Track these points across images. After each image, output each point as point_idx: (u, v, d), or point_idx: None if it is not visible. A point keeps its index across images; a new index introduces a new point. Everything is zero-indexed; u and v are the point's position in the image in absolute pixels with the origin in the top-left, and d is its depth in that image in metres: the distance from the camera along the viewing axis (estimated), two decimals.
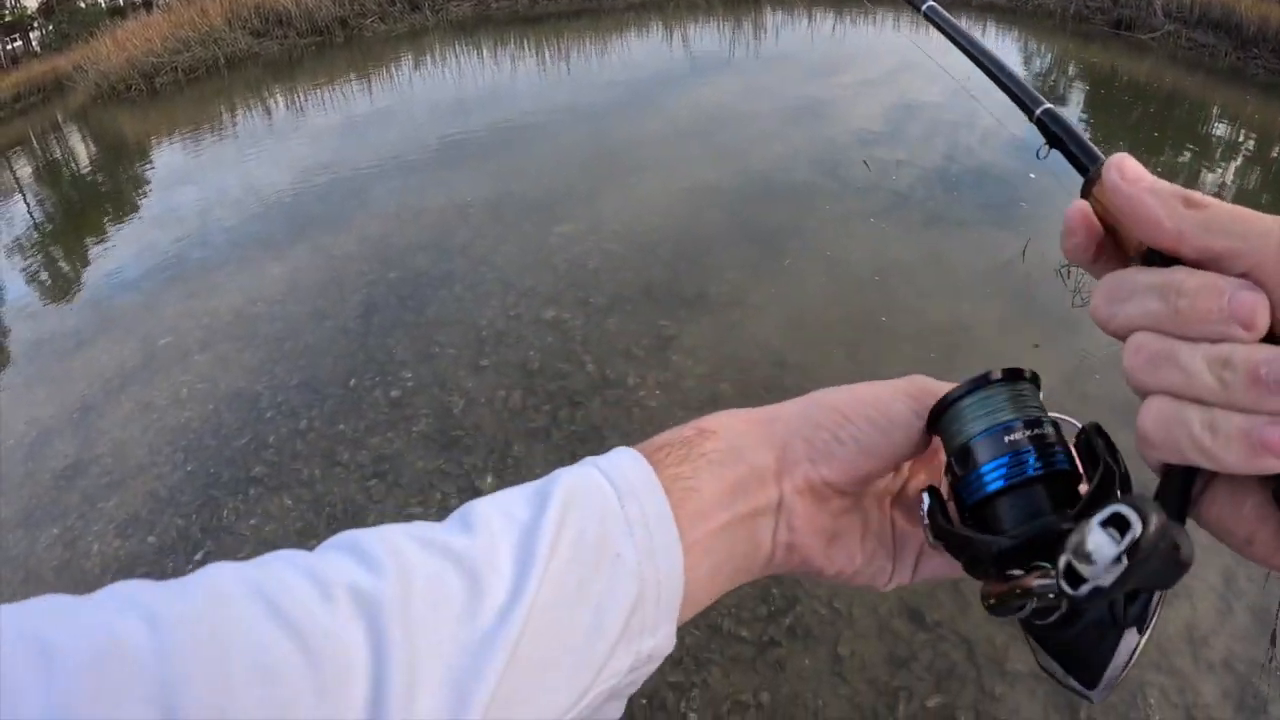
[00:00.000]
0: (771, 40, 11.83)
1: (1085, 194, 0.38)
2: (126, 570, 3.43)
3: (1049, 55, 11.18)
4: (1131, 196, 0.34)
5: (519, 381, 3.94)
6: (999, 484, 0.39)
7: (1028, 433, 0.40)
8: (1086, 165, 0.40)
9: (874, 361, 3.80)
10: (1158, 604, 0.35)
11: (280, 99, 11.76)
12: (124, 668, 0.29)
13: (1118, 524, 0.29)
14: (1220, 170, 7.60)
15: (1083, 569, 0.30)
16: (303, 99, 11.44)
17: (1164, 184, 0.34)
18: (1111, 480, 0.37)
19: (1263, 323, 0.30)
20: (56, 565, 3.56)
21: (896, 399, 0.47)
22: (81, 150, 12.51)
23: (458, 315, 4.57)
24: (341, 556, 0.38)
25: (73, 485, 3.98)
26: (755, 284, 4.47)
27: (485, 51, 12.60)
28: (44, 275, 7.29)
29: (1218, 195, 0.34)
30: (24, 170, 11.56)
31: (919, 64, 9.56)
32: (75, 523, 3.76)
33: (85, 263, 7.21)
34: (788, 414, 0.48)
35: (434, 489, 3.44)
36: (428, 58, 12.75)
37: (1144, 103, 9.29)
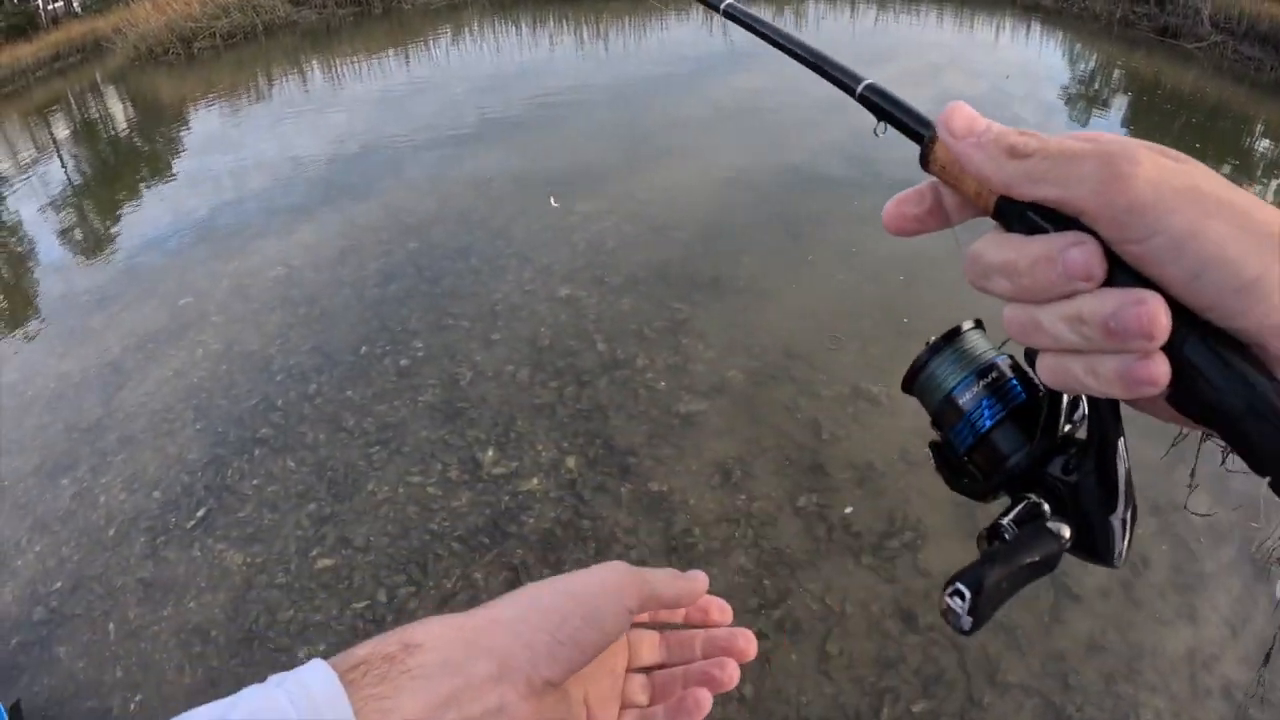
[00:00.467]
0: (813, 28, 11.68)
1: (924, 162, 0.39)
2: (131, 523, 3.47)
3: (1093, 59, 10.91)
4: (960, 153, 0.36)
5: (528, 357, 3.92)
6: (969, 441, 0.44)
7: (981, 383, 0.44)
8: (921, 133, 0.39)
9: (886, 358, 3.73)
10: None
11: (317, 68, 11.83)
12: None
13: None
14: (1262, 185, 7.36)
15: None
16: (339, 69, 11.49)
17: (993, 132, 0.35)
18: (1056, 403, 0.42)
19: (1099, 271, 0.32)
20: (63, 515, 3.61)
21: (606, 593, 0.49)
22: (118, 111, 12.64)
23: (473, 288, 4.56)
24: None
25: (85, 439, 4.02)
26: (773, 273, 4.42)
27: (524, 28, 12.55)
28: (76, 233, 7.38)
29: None
30: (61, 130, 11.69)
31: (965, 58, 9.50)
32: (85, 475, 3.80)
33: (115, 221, 7.29)
34: (505, 618, 0.47)
35: (435, 459, 3.43)
36: (466, 32, 12.74)
37: (1188, 112, 9.06)
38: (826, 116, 7.06)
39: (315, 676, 0.41)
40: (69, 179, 9.17)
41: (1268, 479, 0.31)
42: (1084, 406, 0.42)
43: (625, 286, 4.35)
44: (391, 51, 11.86)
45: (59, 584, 3.29)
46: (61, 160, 10.08)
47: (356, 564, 3.08)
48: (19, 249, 7.15)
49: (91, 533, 3.50)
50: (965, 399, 0.44)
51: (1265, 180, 7.19)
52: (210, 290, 5.15)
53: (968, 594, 0.38)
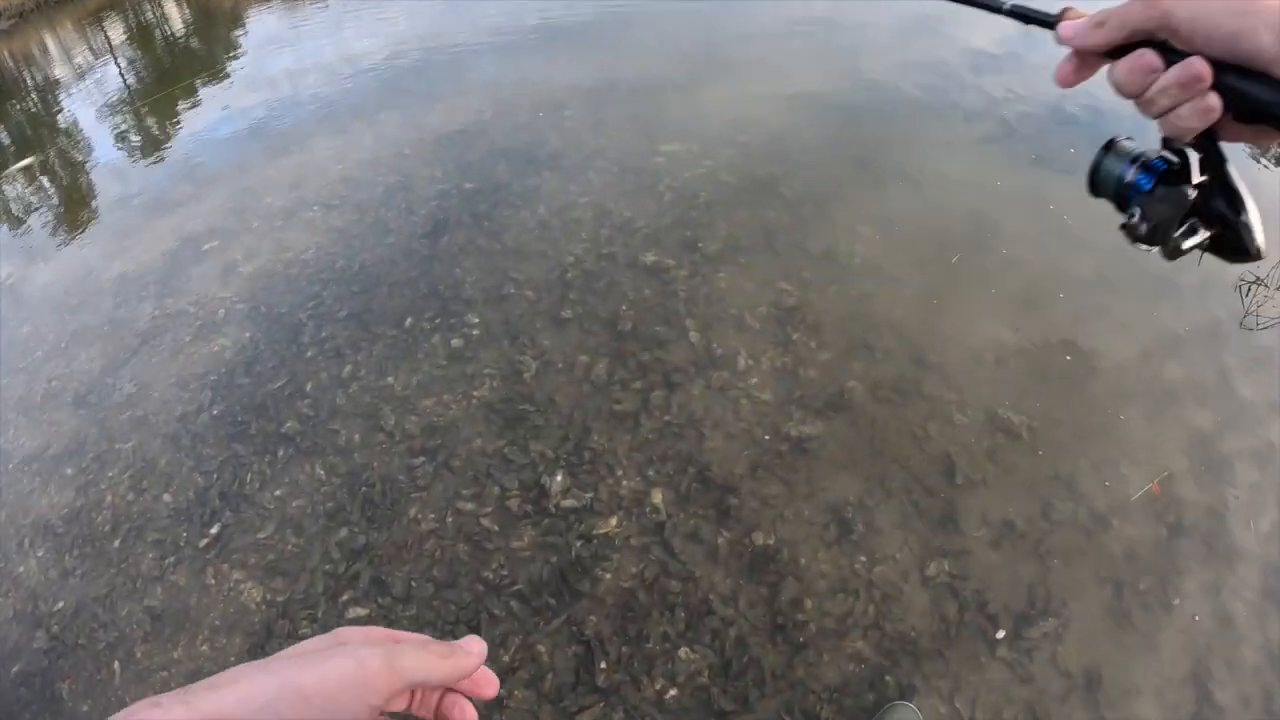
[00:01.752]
0: None
1: (1058, 39, 0.59)
2: (138, 531, 2.94)
3: None
4: (1066, 39, 0.58)
5: (607, 345, 3.20)
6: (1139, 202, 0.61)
7: (1135, 165, 0.62)
8: (1050, 20, 0.60)
9: (1029, 378, 2.89)
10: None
11: None
12: None
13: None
14: None
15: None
16: None
17: (1082, 19, 0.57)
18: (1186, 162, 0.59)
19: (1158, 62, 0.53)
20: (67, 514, 3.11)
21: (347, 690, 0.43)
22: (174, 14, 11.97)
23: (540, 246, 3.82)
24: None
25: (93, 415, 3.49)
26: (895, 248, 3.55)
27: None
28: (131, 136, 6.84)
29: None
30: (117, 34, 11.13)
31: None
32: (91, 464, 3.28)
33: (163, 131, 6.70)
34: (246, 698, 0.41)
35: (491, 480, 2.78)
36: None
37: None
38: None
39: None
40: (124, 82, 8.64)
41: None
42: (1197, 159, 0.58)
43: (722, 255, 3.55)
44: None
45: (61, 604, 2.82)
46: (118, 64, 9.54)
47: (394, 617, 2.49)
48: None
49: (96, 541, 2.99)
50: (1128, 177, 0.61)
51: None
52: (237, 232, 4.54)
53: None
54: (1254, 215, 0.56)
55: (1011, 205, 3.81)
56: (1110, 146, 0.63)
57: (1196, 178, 0.57)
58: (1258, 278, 4.21)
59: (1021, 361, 2.99)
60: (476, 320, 3.47)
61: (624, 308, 3.33)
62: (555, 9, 7.25)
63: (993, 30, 7.27)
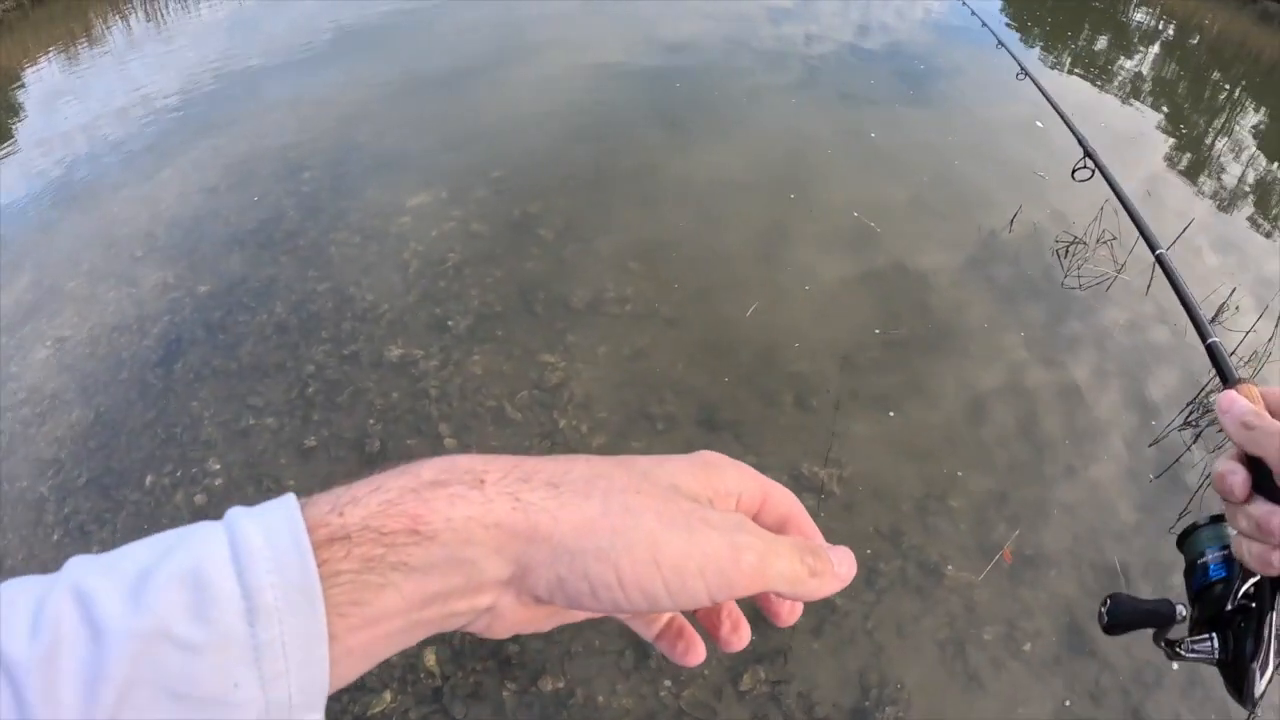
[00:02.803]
0: None
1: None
2: None
3: None
4: (1224, 425, 0.61)
5: (355, 472, 2.79)
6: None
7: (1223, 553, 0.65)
8: (1228, 378, 0.68)
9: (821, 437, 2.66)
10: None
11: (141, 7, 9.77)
12: None
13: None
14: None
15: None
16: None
17: (1246, 405, 0.61)
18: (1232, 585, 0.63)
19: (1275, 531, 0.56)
20: None
21: (702, 575, 0.37)
22: None
23: (278, 356, 3.38)
24: None
25: None
26: (670, 280, 3.25)
27: None
28: None
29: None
30: None
31: None
32: None
33: None
34: (563, 541, 0.36)
35: None
36: None
37: None
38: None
39: (279, 546, 0.32)
40: None
41: None
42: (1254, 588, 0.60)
43: (476, 331, 3.20)
44: None
45: None
46: None
47: None
48: None
49: None
50: (1209, 558, 0.63)
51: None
52: None
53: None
54: (1268, 669, 0.57)
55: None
56: (1218, 520, 0.65)
57: (1240, 598, 0.59)
58: (1075, 237, 4.15)
59: (824, 409, 2.77)
60: (218, 466, 3.05)
61: (371, 422, 2.96)
62: (292, 46, 6.55)
63: None
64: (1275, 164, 6.43)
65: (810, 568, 0.41)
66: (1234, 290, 4.05)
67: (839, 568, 0.41)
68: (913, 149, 5.03)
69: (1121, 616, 0.65)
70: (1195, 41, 9.11)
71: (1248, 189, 5.94)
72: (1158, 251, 0.81)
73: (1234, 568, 0.60)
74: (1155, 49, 8.45)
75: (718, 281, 3.27)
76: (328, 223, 3.97)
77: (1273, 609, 0.57)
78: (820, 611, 2.32)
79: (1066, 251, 4.19)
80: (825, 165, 4.39)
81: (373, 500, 0.36)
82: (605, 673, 2.25)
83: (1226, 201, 5.59)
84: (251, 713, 0.31)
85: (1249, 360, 3.63)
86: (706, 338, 2.99)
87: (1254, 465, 0.57)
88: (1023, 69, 2.37)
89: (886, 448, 2.86)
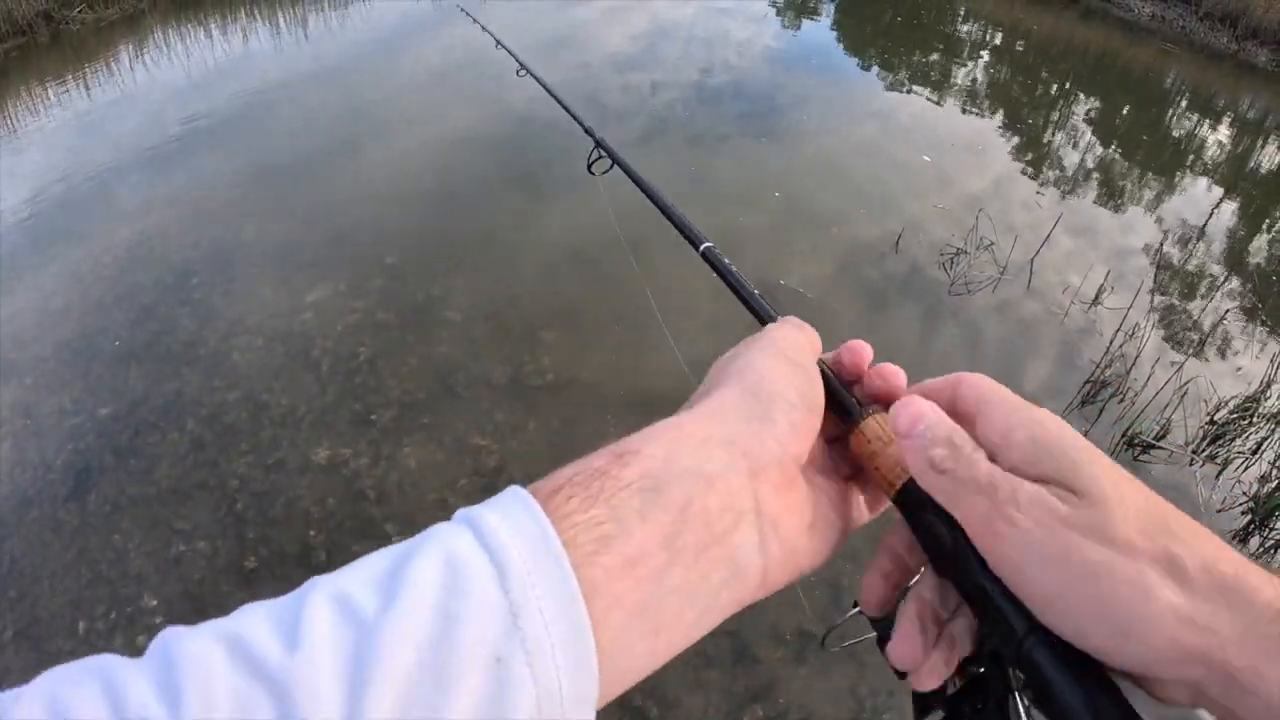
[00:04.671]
0: None
1: (843, 439, 0.46)
2: None
3: None
4: (904, 447, 0.41)
5: None
6: None
7: None
8: (851, 412, 0.45)
9: None
10: None
11: None
12: None
13: None
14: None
15: None
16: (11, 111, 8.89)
17: (928, 436, 0.39)
18: None
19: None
20: None
21: (799, 347, 0.44)
22: None
23: (199, 474, 3.34)
24: (146, 675, 0.29)
25: None
26: (589, 341, 3.38)
27: (213, 27, 10.07)
28: None
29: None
30: None
31: None
32: None
33: None
34: (730, 401, 0.39)
35: None
36: (150, 43, 10.01)
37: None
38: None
39: (510, 510, 0.33)
40: None
41: None
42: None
43: (401, 423, 3.25)
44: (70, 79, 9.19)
45: None
46: None
47: None
48: None
49: None
50: None
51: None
52: None
53: None
54: None
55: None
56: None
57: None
58: (958, 249, 4.51)
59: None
60: (154, 602, 3.00)
61: (311, 533, 2.98)
62: (147, 145, 6.34)
63: (631, 28, 7.30)
64: (1112, 145, 7.07)
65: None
66: (1108, 272, 4.50)
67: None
68: (769, 183, 5.32)
69: None
70: (1021, 47, 9.83)
71: (1090, 172, 6.51)
72: (702, 247, 0.75)
73: None
74: (985, 57, 9.10)
75: (629, 338, 3.42)
76: (226, 328, 3.92)
77: (1011, 690, 0.39)
78: (799, 640, 2.48)
79: (951, 263, 4.55)
80: (696, 210, 4.61)
81: (572, 464, 0.36)
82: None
83: (1069, 188, 6.12)
84: (522, 698, 0.30)
85: (1132, 335, 4.04)
86: (630, 395, 3.13)
87: (930, 533, 0.40)
88: (522, 65, 2.15)
89: None
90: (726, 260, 0.69)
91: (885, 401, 0.44)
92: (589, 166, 1.41)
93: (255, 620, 0.31)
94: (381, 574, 0.32)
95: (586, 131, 1.50)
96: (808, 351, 0.43)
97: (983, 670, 0.41)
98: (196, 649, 0.29)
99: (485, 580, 0.31)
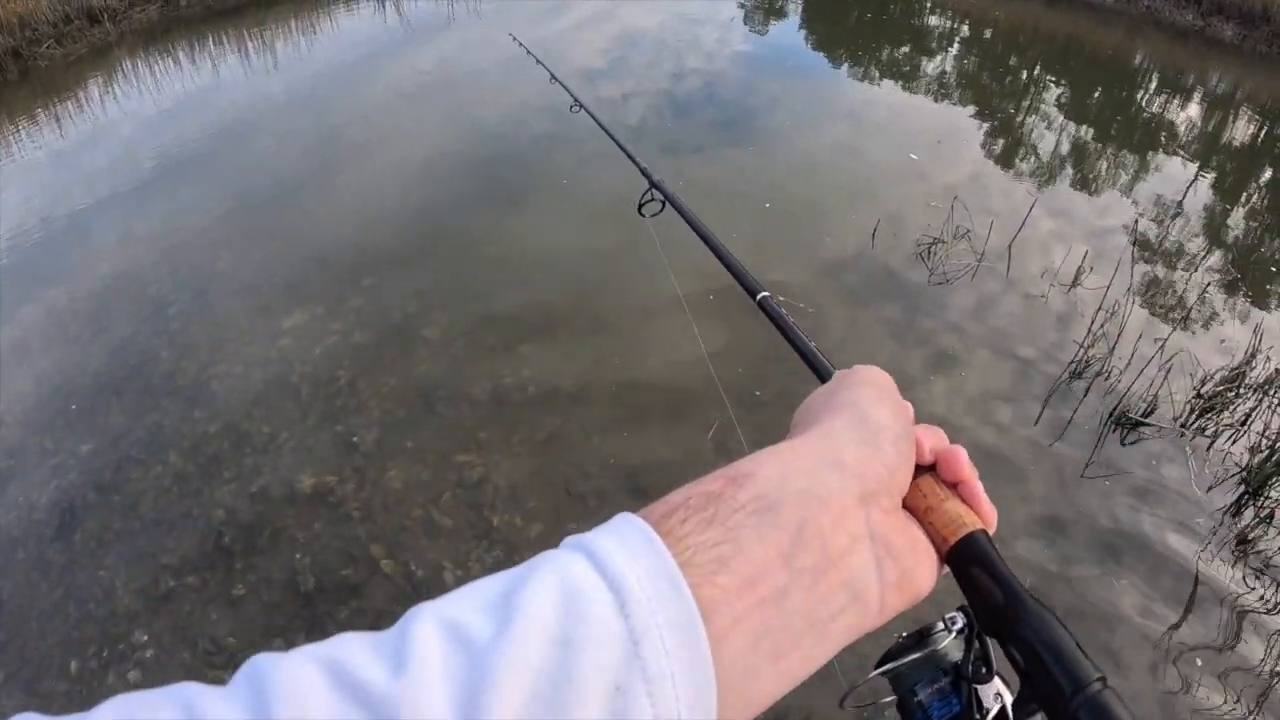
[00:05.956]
0: None
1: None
2: None
3: None
4: (974, 489, 0.44)
5: (296, 616, 2.83)
6: None
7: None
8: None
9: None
10: None
11: None
12: None
13: None
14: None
15: None
16: None
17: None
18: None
19: None
20: None
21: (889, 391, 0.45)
22: None
23: (182, 506, 3.32)
24: (233, 700, 0.27)
25: None
26: (565, 354, 3.37)
27: (182, 57, 10.07)
28: None
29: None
30: None
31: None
32: None
33: None
34: (839, 428, 0.40)
35: None
36: (119, 75, 10.01)
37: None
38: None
39: (625, 535, 0.32)
40: None
41: None
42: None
43: (384, 445, 3.24)
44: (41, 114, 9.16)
45: None
46: None
47: None
48: None
49: None
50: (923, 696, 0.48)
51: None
52: None
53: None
54: None
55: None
56: (924, 637, 0.50)
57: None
58: (935, 239, 4.52)
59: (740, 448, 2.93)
60: (145, 637, 2.97)
61: (299, 557, 2.95)
62: (120, 180, 6.31)
63: (598, 42, 7.34)
64: (1084, 128, 7.10)
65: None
66: (1086, 253, 4.51)
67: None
68: (754, 185, 5.33)
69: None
70: (989, 35, 9.90)
71: (1066, 156, 6.55)
72: (759, 297, 0.78)
73: (960, 697, 0.47)
74: (955, 48, 9.16)
75: (608, 348, 3.41)
76: (205, 357, 3.90)
77: None
78: None
79: (929, 252, 4.56)
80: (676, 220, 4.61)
81: (683, 488, 0.35)
82: None
83: (1046, 175, 6.16)
84: None
85: (1112, 314, 4.04)
86: (613, 405, 3.12)
87: (980, 589, 0.41)
88: (577, 101, 2.27)
89: None
90: (784, 311, 0.69)
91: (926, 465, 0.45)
92: (639, 208, 1.40)
93: (355, 645, 0.29)
94: (493, 599, 0.30)
95: (643, 173, 1.47)
96: (898, 393, 0.45)
97: None
98: (290, 673, 0.28)
99: (604, 606, 0.30)
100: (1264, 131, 7.56)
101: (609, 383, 3.25)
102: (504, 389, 3.29)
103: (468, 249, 4.25)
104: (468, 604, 0.30)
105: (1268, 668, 2.61)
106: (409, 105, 6.57)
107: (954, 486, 0.43)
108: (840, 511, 0.35)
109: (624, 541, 0.32)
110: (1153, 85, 8.73)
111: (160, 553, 3.19)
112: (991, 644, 0.44)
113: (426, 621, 0.29)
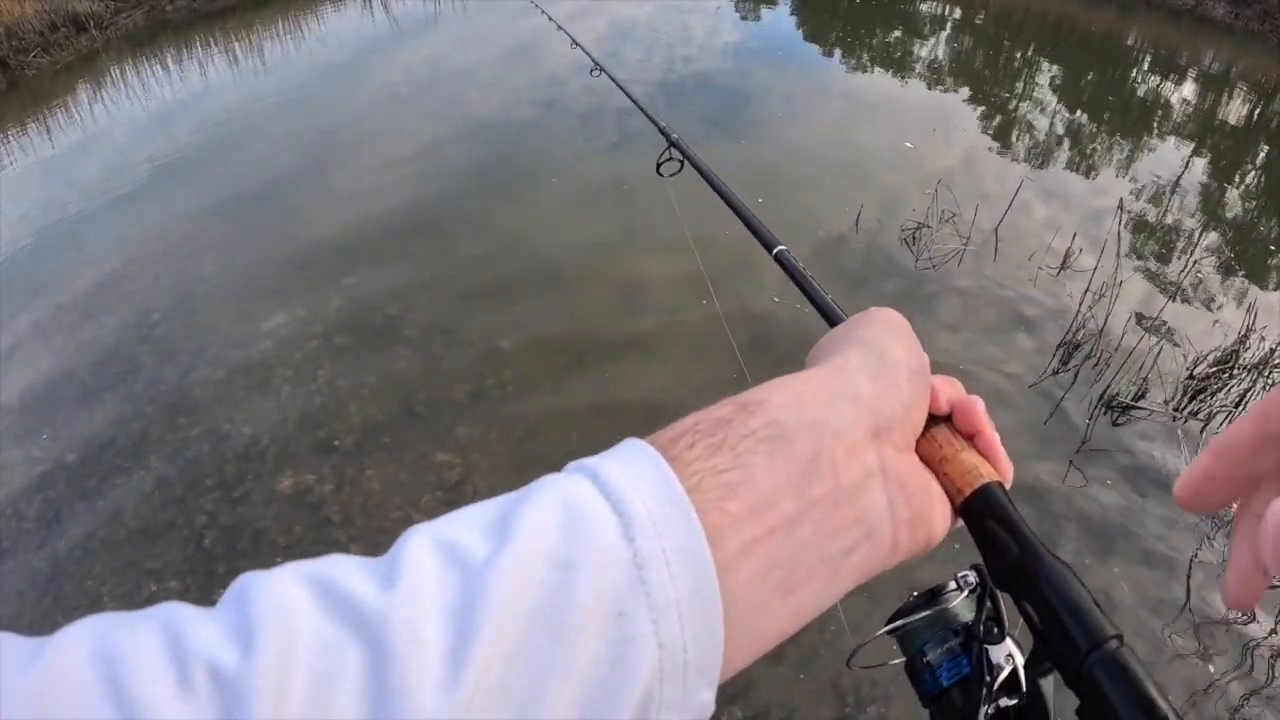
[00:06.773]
0: None
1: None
2: None
3: None
4: (991, 438, 0.43)
5: None
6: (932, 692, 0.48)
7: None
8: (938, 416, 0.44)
9: None
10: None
11: None
12: None
13: None
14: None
15: None
16: None
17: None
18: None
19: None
20: None
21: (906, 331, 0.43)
22: None
23: (166, 514, 3.31)
24: (217, 620, 0.26)
25: None
26: (542, 350, 3.34)
27: (170, 61, 10.06)
28: None
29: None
30: None
31: None
32: None
33: None
34: (854, 362, 0.38)
35: None
36: (108, 82, 10.01)
37: None
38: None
39: (631, 459, 0.31)
40: None
41: None
42: (1023, 683, 0.42)
43: (364, 446, 3.23)
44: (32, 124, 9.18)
45: None
46: None
47: None
48: None
49: None
50: (932, 657, 0.47)
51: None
52: None
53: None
54: None
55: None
56: (936, 596, 0.49)
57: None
58: (919, 224, 4.48)
59: None
60: None
61: (279, 560, 2.89)
62: (110, 187, 6.31)
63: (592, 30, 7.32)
64: (1077, 111, 7.05)
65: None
66: (1075, 235, 4.46)
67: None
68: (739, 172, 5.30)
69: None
70: (981, 19, 9.84)
71: (1060, 138, 6.49)
72: (775, 250, 0.81)
73: (970, 658, 0.46)
74: (946, 32, 9.10)
75: (590, 345, 3.39)
76: (187, 362, 3.89)
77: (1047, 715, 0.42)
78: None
79: (914, 238, 4.51)
80: (658, 212, 4.58)
81: (691, 415, 0.34)
82: None
83: (1041, 157, 6.11)
84: (644, 659, 0.27)
85: (1102, 295, 4.00)
86: (593, 402, 3.10)
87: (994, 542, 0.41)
88: (597, 64, 2.35)
89: None
90: (800, 265, 0.73)
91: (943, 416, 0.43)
92: (658, 167, 1.41)
93: (347, 562, 0.29)
94: (491, 519, 0.30)
95: (661, 132, 1.47)
96: (913, 333, 0.43)
97: (1019, 704, 0.43)
98: (276, 587, 0.27)
99: (608, 529, 0.28)
100: (1258, 111, 7.49)
101: (587, 382, 3.21)
102: (484, 387, 3.27)
103: (453, 247, 4.23)
104: (465, 524, 0.29)
105: (1266, 651, 2.57)
106: (402, 106, 6.55)
107: (970, 438, 0.42)
108: (853, 444, 0.34)
109: (630, 465, 0.31)
110: (1145, 65, 8.66)
111: (144, 559, 3.18)
112: (1004, 601, 0.44)
113: (421, 541, 0.29)
